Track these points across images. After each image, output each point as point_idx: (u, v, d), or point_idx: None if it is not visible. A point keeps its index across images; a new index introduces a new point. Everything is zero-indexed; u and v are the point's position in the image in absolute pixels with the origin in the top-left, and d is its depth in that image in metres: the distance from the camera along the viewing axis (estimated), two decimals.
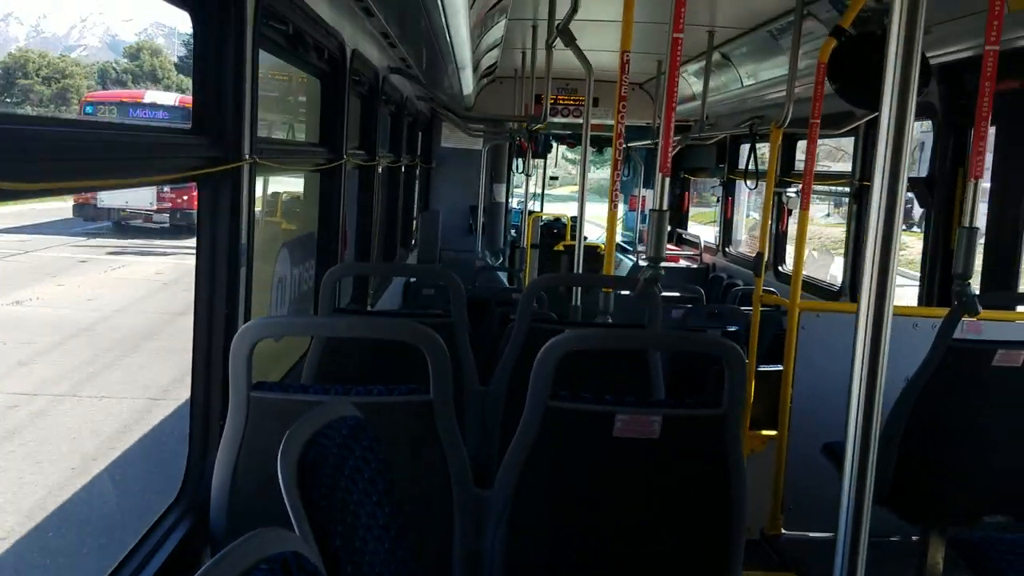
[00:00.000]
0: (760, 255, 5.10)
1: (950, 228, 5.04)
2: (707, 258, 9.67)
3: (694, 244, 10.23)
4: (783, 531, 4.29)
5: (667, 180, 2.85)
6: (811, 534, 4.31)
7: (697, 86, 7.78)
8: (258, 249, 2.60)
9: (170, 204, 20.82)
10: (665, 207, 2.89)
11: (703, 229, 11.51)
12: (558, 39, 4.91)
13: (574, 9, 4.22)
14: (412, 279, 7.98)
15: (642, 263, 8.98)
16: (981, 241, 4.75)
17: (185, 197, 20.42)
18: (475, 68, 6.86)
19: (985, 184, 4.66)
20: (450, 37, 4.80)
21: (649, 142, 9.75)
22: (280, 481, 1.38)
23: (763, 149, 7.58)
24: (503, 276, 9.23)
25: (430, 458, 2.01)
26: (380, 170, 5.38)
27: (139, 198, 20.23)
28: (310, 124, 3.97)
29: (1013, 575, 2.53)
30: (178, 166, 2.02)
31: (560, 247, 11.52)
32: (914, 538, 3.88)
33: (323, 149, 3.69)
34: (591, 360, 2.95)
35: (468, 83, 7.12)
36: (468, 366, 3.06)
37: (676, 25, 2.81)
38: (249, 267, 2.43)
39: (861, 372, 1.72)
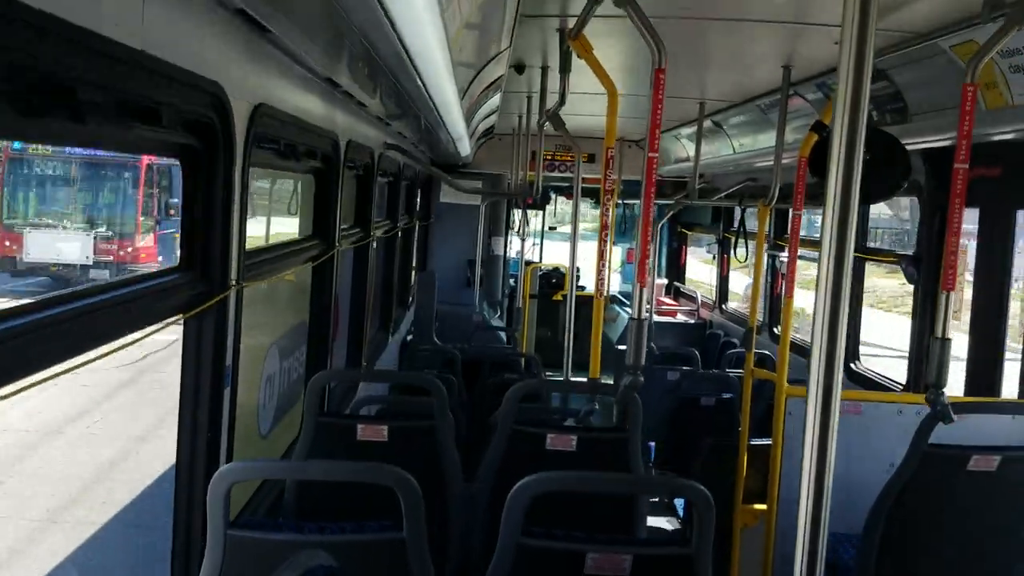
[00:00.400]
0: (750, 330, 5.17)
1: (935, 305, 5.10)
2: (704, 314, 9.73)
3: (691, 298, 10.30)
4: None
5: (643, 290, 2.92)
6: None
7: (691, 148, 7.91)
8: (245, 353, 2.67)
9: (112, 257, 17.29)
10: (644, 315, 2.96)
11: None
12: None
13: (562, 101, 4.34)
14: (408, 337, 8.03)
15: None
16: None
17: (129, 248, 17.45)
18: (471, 134, 6.99)
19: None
20: (442, 118, 4.92)
21: (635, 201, 9.87)
22: None
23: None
24: (502, 333, 9.29)
25: None
26: (375, 244, 5.47)
27: (72, 249, 16.94)
28: (303, 212, 4.05)
29: None
30: (167, 308, 2.09)
31: (559, 296, 11.59)
32: None
33: (315, 241, 3.77)
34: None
35: (465, 147, 7.25)
36: (452, 467, 3.12)
37: (651, 145, 2.90)
38: (234, 387, 2.50)
39: (810, 465, 1.67)
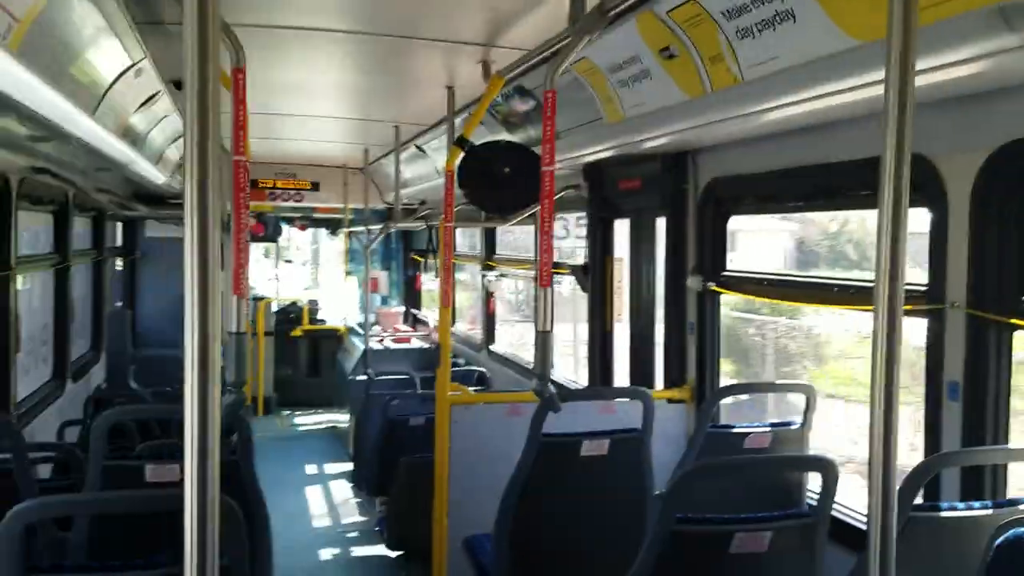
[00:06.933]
0: (440, 346, 5.22)
1: (604, 311, 5.47)
2: (437, 337, 9.81)
3: (426, 324, 10.39)
4: None
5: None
6: None
7: (405, 173, 7.99)
8: None
9: None
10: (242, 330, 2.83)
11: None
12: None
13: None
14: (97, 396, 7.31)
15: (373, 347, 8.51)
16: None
17: None
18: (158, 160, 6.56)
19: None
20: (85, 138, 4.53)
21: (362, 228, 9.88)
22: None
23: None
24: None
25: None
26: (23, 279, 4.91)
27: None
28: None
29: None
30: None
31: (298, 332, 11.22)
32: None
33: None
34: None
35: (155, 175, 6.78)
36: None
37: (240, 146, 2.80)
38: None
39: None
